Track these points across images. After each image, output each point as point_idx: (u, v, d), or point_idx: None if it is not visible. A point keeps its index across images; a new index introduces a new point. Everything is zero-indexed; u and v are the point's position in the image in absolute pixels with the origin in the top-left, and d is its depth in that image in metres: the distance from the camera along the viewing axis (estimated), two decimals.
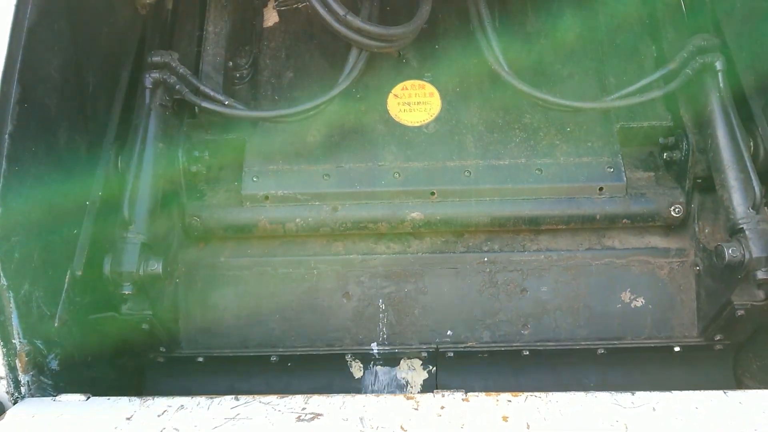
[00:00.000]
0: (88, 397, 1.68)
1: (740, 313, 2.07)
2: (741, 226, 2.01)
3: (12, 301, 1.68)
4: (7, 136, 1.69)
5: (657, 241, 2.34)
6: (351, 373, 2.33)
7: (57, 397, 1.69)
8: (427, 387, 2.32)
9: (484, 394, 1.63)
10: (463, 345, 2.28)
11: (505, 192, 2.29)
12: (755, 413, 1.56)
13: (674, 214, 2.27)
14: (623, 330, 2.28)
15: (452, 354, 2.27)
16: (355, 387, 2.33)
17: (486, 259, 2.32)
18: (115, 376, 2.25)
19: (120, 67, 2.36)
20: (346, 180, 2.32)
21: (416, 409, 1.58)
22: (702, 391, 1.65)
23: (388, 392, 2.28)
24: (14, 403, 1.69)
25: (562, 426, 1.53)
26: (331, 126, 2.40)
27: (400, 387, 2.32)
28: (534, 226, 2.32)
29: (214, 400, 1.64)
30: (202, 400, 1.64)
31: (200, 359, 2.29)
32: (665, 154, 2.35)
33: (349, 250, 2.36)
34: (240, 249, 2.37)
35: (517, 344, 2.28)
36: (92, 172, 2.15)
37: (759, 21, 2.22)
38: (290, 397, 1.63)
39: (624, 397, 1.60)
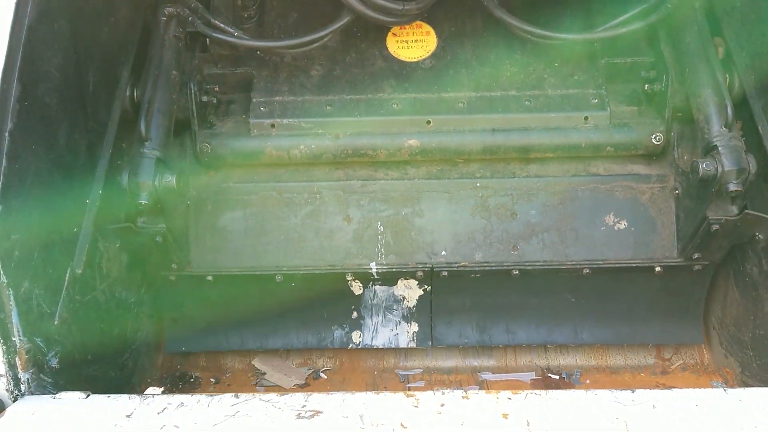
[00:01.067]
0: (88, 395, 1.68)
1: (715, 227, 2.18)
2: (714, 143, 2.14)
3: (12, 298, 1.68)
4: (7, 134, 1.68)
5: (639, 168, 2.47)
6: (351, 291, 2.48)
7: (57, 395, 1.69)
8: (422, 303, 2.51)
9: (484, 391, 1.63)
10: (456, 264, 2.41)
11: (497, 122, 2.43)
12: (755, 411, 1.56)
13: (655, 142, 2.40)
14: (607, 251, 2.41)
15: (446, 273, 2.40)
16: (355, 302, 2.51)
17: (478, 184, 2.47)
18: (115, 374, 2.25)
19: (120, 67, 2.36)
20: (347, 110, 2.46)
21: (416, 407, 1.58)
22: (702, 389, 1.64)
23: (386, 309, 2.52)
24: (14, 401, 1.69)
25: (562, 423, 1.53)
26: (333, 61, 2.56)
27: (397, 302, 2.51)
28: (523, 154, 2.45)
29: (214, 397, 1.64)
30: (202, 397, 1.64)
31: (209, 278, 2.42)
32: (646, 86, 2.46)
33: (349, 177, 2.50)
34: (247, 175, 2.50)
35: (507, 264, 2.40)
36: (92, 170, 2.15)
37: (759, 21, 2.22)
38: (290, 394, 1.64)
39: (624, 395, 1.60)
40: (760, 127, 2.18)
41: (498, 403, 1.59)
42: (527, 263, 2.40)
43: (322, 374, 2.59)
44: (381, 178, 2.49)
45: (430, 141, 2.41)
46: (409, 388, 2.52)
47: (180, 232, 2.38)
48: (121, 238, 2.22)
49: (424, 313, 2.53)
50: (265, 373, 2.57)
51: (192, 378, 2.61)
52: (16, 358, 1.70)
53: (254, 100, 2.47)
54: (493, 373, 2.58)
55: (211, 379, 2.60)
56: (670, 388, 1.66)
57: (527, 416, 1.55)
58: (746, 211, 2.14)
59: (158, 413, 1.59)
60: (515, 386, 2.52)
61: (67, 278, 1.94)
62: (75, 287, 1.97)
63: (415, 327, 2.55)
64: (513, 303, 2.52)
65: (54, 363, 1.84)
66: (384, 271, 2.42)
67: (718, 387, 2.23)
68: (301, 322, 2.57)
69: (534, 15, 2.53)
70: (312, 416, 1.56)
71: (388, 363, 2.63)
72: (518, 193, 2.45)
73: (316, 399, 1.62)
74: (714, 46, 2.32)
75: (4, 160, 1.66)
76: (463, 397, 1.61)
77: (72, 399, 1.67)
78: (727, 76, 2.28)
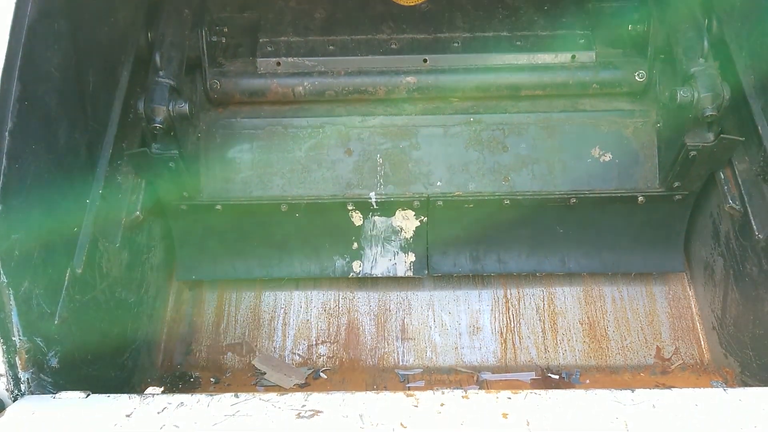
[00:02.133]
0: (88, 395, 1.68)
1: (693, 153, 2.30)
2: (692, 72, 2.24)
3: (12, 298, 1.68)
4: (7, 133, 1.68)
5: (623, 104, 2.60)
6: (352, 223, 2.60)
7: (57, 395, 1.69)
8: (419, 234, 2.63)
9: (484, 391, 1.63)
10: (451, 195, 2.53)
11: (489, 61, 2.58)
12: (755, 411, 1.56)
13: (638, 80, 2.54)
14: (593, 182, 2.54)
15: (441, 203, 2.52)
16: (355, 233, 2.63)
17: (472, 119, 2.60)
18: (115, 374, 2.25)
19: (120, 67, 2.36)
20: (348, 49, 2.61)
21: (416, 407, 1.58)
22: (702, 389, 1.64)
23: (385, 240, 2.64)
24: (14, 401, 1.68)
25: (562, 423, 1.53)
26: (335, 5, 2.70)
27: (395, 233, 2.63)
28: (515, 91, 2.60)
29: (214, 397, 1.64)
30: (202, 397, 1.64)
31: (218, 207, 2.53)
32: (630, 27, 2.57)
33: (350, 112, 2.63)
34: (254, 111, 2.64)
35: (499, 194, 2.51)
36: (92, 170, 2.16)
37: (759, 21, 2.23)
38: (290, 394, 1.63)
39: (624, 395, 1.60)
40: (760, 127, 2.18)
41: (498, 403, 1.58)
42: (518, 193, 2.52)
43: (322, 374, 2.60)
44: (380, 113, 2.62)
45: (426, 79, 2.56)
46: (409, 388, 2.52)
47: (191, 160, 2.48)
48: (134, 165, 2.34)
49: (421, 243, 2.64)
50: (264, 373, 2.57)
51: (192, 378, 2.61)
52: (16, 358, 1.70)
53: (261, 40, 2.62)
54: (493, 373, 2.58)
55: (211, 379, 2.60)
56: (670, 388, 1.65)
57: (527, 416, 1.55)
58: (722, 135, 2.25)
59: (158, 413, 1.59)
60: (515, 386, 2.52)
61: (67, 278, 1.94)
62: (75, 287, 1.97)
63: (412, 257, 2.66)
64: (504, 234, 2.64)
65: (54, 363, 1.84)
66: (383, 200, 2.54)
67: (718, 387, 2.23)
68: (304, 254, 2.68)
69: None
70: (312, 416, 1.56)
71: (388, 363, 2.63)
72: (509, 127, 2.58)
73: (316, 399, 1.61)
74: None
75: (4, 160, 1.66)
76: (463, 397, 1.61)
77: (72, 399, 1.67)
78: (706, 19, 2.38)
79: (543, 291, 2.75)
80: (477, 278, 2.78)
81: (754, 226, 2.20)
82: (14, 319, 1.69)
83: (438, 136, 2.59)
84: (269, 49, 2.61)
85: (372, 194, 2.54)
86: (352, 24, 2.66)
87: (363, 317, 2.73)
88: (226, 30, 2.64)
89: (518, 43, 2.60)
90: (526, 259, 2.68)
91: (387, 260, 2.67)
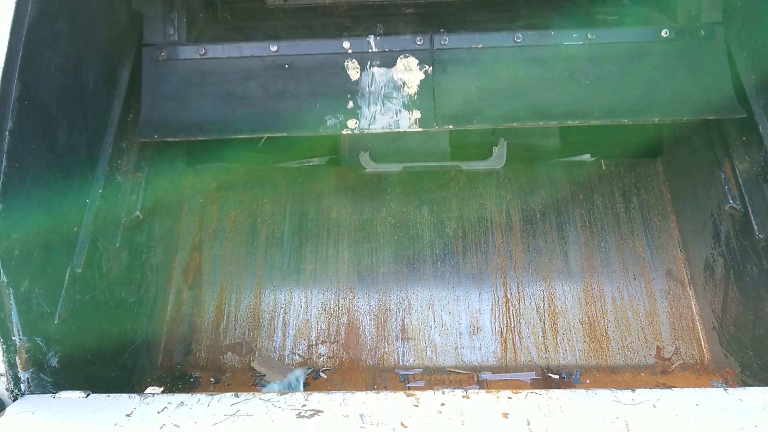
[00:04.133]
0: (88, 394, 1.68)
1: None
2: None
3: (12, 298, 1.68)
4: (7, 133, 1.68)
5: None
6: (348, 76, 2.40)
7: (57, 394, 1.69)
8: (424, 87, 2.40)
9: (484, 391, 1.63)
10: (456, 35, 2.39)
11: None
12: (755, 411, 1.55)
13: None
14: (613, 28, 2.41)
15: (446, 41, 2.37)
16: (352, 89, 2.40)
17: None
18: (115, 374, 2.25)
19: (120, 67, 2.36)
20: None
21: (416, 406, 1.58)
22: (702, 389, 1.64)
23: (385, 97, 2.39)
24: (14, 400, 1.69)
25: (563, 423, 1.53)
26: None
27: (396, 88, 2.40)
28: None
29: (214, 397, 1.64)
30: (202, 397, 1.64)
31: (202, 51, 2.41)
32: None
33: None
34: None
35: (512, 28, 2.39)
36: (92, 170, 2.16)
37: (759, 21, 2.23)
38: (290, 394, 1.63)
39: (624, 395, 1.60)
40: (760, 127, 2.18)
41: (498, 403, 1.58)
42: (530, 31, 2.36)
43: (322, 374, 2.59)
44: None
45: None
46: (409, 388, 2.51)
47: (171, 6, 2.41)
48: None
49: (427, 96, 2.39)
50: (264, 375, 2.57)
51: (192, 378, 2.61)
52: (16, 358, 1.70)
53: None
54: (493, 373, 2.58)
55: (211, 379, 2.59)
56: (670, 388, 1.65)
57: (527, 416, 1.54)
58: None
59: (158, 412, 1.59)
60: (515, 386, 2.52)
61: (67, 278, 1.94)
62: (75, 287, 1.97)
63: (417, 114, 2.40)
64: (518, 80, 2.41)
65: (54, 362, 1.84)
66: (381, 40, 2.38)
67: (718, 387, 2.23)
68: (295, 109, 2.44)
69: None
70: (312, 416, 1.56)
71: (388, 363, 2.63)
72: None
73: (316, 398, 1.61)
74: None
75: (4, 160, 1.67)
76: (463, 397, 1.61)
77: (72, 398, 1.67)
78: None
79: (543, 291, 2.74)
80: (477, 277, 2.78)
81: (755, 226, 2.20)
82: (14, 318, 1.69)
83: None
84: None
85: (371, 38, 2.38)
86: None
87: (363, 317, 2.73)
88: None
89: None
90: (556, 106, 2.39)
91: (388, 117, 2.39)
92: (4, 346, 1.67)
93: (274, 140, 3.29)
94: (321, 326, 2.72)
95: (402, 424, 1.53)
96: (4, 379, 1.68)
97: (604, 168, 3.04)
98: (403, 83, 2.39)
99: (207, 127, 2.38)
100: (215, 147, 3.16)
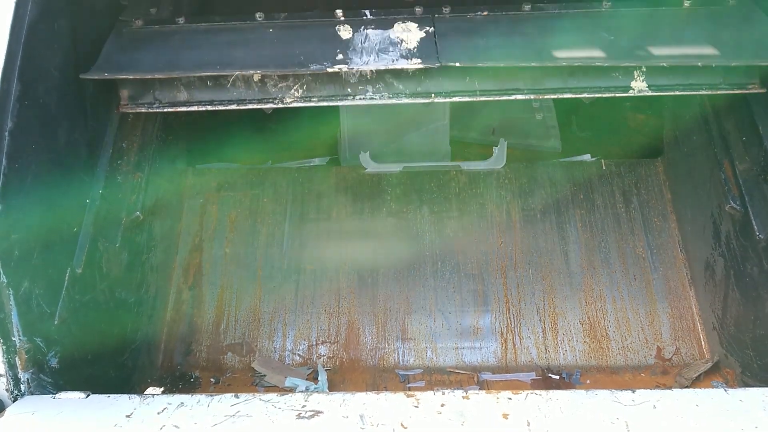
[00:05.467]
0: (88, 395, 1.68)
1: None
2: None
3: (12, 298, 1.68)
4: (7, 133, 1.68)
5: None
6: (338, 36, 2.20)
7: (57, 395, 1.69)
8: (425, 43, 2.16)
9: (484, 392, 1.63)
10: (459, 5, 2.25)
11: None
12: (755, 411, 1.55)
13: None
14: None
15: (448, 10, 2.23)
16: (342, 46, 2.16)
17: None
18: (115, 374, 2.25)
19: None
20: None
21: (416, 407, 1.58)
22: (702, 389, 1.64)
23: (380, 51, 2.14)
24: (14, 401, 1.69)
25: (563, 424, 1.53)
26: None
27: (393, 44, 2.16)
28: None
29: (214, 397, 1.64)
30: (202, 397, 1.64)
31: (181, 21, 2.28)
32: None
33: None
34: None
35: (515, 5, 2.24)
36: (92, 170, 2.16)
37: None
38: (290, 394, 1.63)
39: (624, 395, 1.60)
40: (760, 127, 2.18)
41: (498, 403, 1.58)
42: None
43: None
44: None
45: None
46: (409, 388, 2.52)
47: None
48: None
49: (428, 45, 2.16)
50: (264, 375, 2.57)
51: (192, 378, 2.61)
52: (16, 358, 1.70)
53: None
54: (493, 373, 2.58)
55: (211, 379, 2.59)
56: (670, 388, 1.65)
57: (527, 416, 1.54)
58: None
59: (158, 413, 1.59)
60: (515, 386, 2.52)
61: (67, 278, 1.94)
62: (75, 287, 1.97)
63: (417, 60, 2.12)
64: (530, 35, 2.20)
65: (54, 363, 1.84)
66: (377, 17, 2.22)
67: (718, 387, 2.23)
68: (274, 52, 2.20)
69: None
70: (312, 416, 1.56)
71: (388, 363, 2.63)
72: None
73: (316, 399, 1.61)
74: None
75: (3, 160, 1.67)
76: (463, 397, 1.61)
77: (72, 399, 1.67)
78: None
79: (543, 291, 2.74)
80: (477, 277, 2.78)
81: (755, 226, 2.20)
82: (14, 319, 1.69)
83: None
84: None
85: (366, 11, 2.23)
86: None
87: (363, 317, 2.73)
88: None
89: None
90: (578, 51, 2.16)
91: (383, 63, 2.13)
92: (4, 347, 1.67)
93: (274, 140, 3.30)
94: (321, 326, 2.72)
95: (402, 424, 1.53)
96: (3, 379, 1.68)
97: (604, 168, 3.04)
98: (401, 40, 2.17)
99: (168, 67, 2.14)
100: (215, 147, 3.16)
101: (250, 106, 2.24)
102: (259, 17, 2.25)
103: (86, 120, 2.12)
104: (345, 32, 2.19)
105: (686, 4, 2.24)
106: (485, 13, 2.23)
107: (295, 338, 2.70)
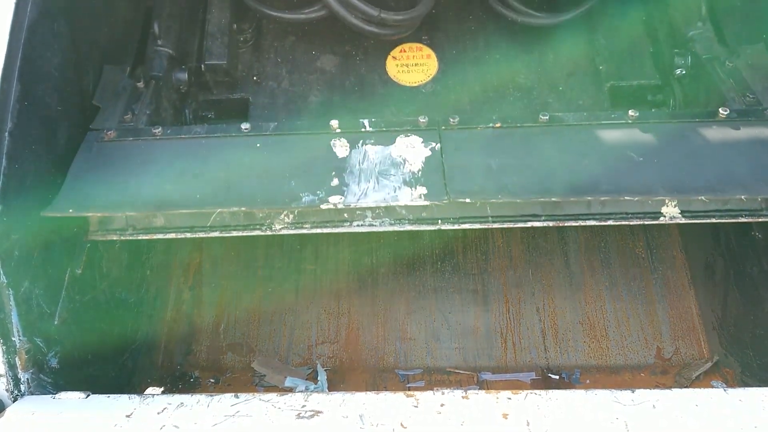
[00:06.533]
0: (88, 395, 1.68)
1: None
2: None
3: (12, 298, 1.68)
4: (7, 134, 1.69)
5: None
6: (334, 153, 2.01)
7: (57, 395, 1.69)
8: (430, 171, 1.94)
9: (484, 392, 1.63)
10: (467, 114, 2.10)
11: None
12: (755, 411, 1.56)
13: None
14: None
15: (456, 120, 2.06)
16: (338, 166, 1.96)
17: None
18: (115, 374, 2.25)
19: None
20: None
21: (416, 407, 1.58)
22: (702, 389, 1.64)
23: (380, 174, 1.94)
24: (14, 401, 1.69)
25: (562, 424, 1.53)
26: (332, 86, 2.54)
27: (395, 165, 1.97)
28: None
29: (214, 397, 1.64)
30: (202, 397, 1.64)
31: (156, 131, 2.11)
32: (653, 110, 2.44)
33: None
34: None
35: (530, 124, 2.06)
36: None
37: (759, 21, 2.22)
38: (290, 394, 1.63)
39: (624, 395, 1.60)
40: None
41: (498, 403, 1.58)
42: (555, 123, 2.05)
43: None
44: None
45: None
46: (409, 388, 2.52)
47: None
48: None
49: (434, 172, 1.95)
50: (264, 375, 2.57)
51: (192, 378, 2.61)
52: (16, 358, 1.71)
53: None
54: (493, 373, 2.58)
55: (211, 379, 2.60)
56: (670, 388, 1.65)
57: (527, 416, 1.55)
58: None
59: (158, 413, 1.59)
60: (515, 386, 2.52)
61: (67, 278, 1.94)
62: (75, 287, 1.97)
63: (422, 190, 1.91)
64: (549, 155, 1.99)
65: (54, 363, 1.84)
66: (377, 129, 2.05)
67: (718, 387, 2.23)
68: (262, 184, 1.95)
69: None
70: (312, 416, 1.56)
71: (388, 363, 2.63)
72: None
73: (316, 399, 1.61)
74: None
75: (4, 160, 1.67)
76: (463, 397, 1.61)
77: (72, 399, 1.67)
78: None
79: (543, 291, 2.74)
80: (477, 277, 2.78)
81: (755, 226, 2.20)
82: (14, 319, 1.69)
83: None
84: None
85: (365, 121, 2.06)
86: (350, 107, 2.47)
87: (363, 317, 2.73)
88: (212, 115, 2.58)
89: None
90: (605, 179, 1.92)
91: (384, 193, 1.92)
92: (4, 347, 1.68)
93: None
94: (321, 326, 2.72)
95: (402, 424, 1.53)
96: (4, 379, 1.68)
97: None
98: (404, 160, 1.98)
99: (140, 204, 1.88)
100: None
101: (235, 233, 2.02)
102: (245, 128, 2.05)
103: (86, 120, 2.12)
104: (341, 148, 2.01)
105: (722, 113, 2.04)
106: (497, 124, 2.05)
107: (295, 338, 2.70)
